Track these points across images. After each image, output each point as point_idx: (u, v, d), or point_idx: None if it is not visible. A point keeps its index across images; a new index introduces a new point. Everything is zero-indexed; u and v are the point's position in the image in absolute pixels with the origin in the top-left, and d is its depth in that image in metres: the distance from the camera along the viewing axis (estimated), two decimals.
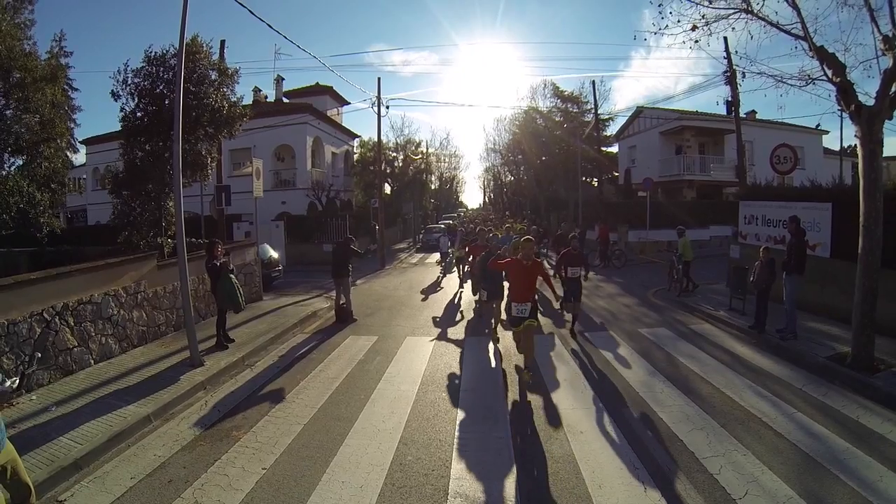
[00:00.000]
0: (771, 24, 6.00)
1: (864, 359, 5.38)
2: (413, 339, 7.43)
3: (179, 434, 4.50)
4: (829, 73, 5.60)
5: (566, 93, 29.04)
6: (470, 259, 10.09)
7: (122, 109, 8.76)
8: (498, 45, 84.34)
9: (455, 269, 13.47)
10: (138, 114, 8.53)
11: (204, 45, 9.13)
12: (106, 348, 6.39)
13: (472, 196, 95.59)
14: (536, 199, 31.69)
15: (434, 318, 8.94)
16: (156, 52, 8.64)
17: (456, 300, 10.83)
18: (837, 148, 26.61)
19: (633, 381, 5.45)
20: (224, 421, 4.77)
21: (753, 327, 7.03)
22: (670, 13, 6.49)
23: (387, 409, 4.92)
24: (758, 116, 23.97)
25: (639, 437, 4.18)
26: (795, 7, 5.70)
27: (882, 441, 4.00)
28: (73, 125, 34.47)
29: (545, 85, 28.70)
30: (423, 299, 10.91)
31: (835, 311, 7.32)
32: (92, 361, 6.13)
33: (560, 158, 25.81)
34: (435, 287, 12.73)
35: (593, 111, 23.46)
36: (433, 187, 42.11)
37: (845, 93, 5.50)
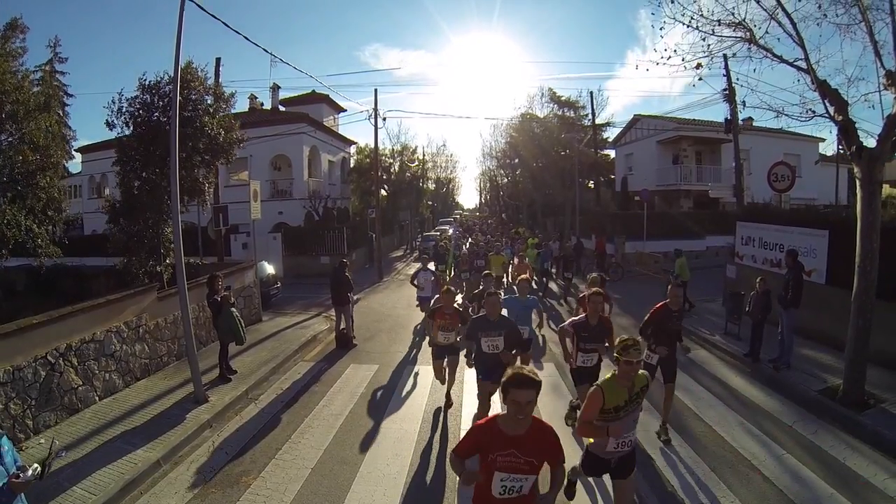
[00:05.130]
0: (775, 55, 6.06)
1: (854, 394, 5.54)
2: (413, 369, 7.54)
3: (190, 480, 4.58)
4: (832, 109, 5.63)
5: (563, 98, 29.22)
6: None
7: (117, 139, 8.79)
8: (495, 45, 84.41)
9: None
10: (134, 143, 8.55)
11: (199, 70, 9.14)
12: (110, 384, 6.46)
13: (469, 197, 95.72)
14: (533, 203, 31.85)
15: None
16: (150, 81, 8.66)
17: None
18: (833, 151, 26.83)
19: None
20: (233, 463, 4.86)
21: (748, 355, 7.20)
22: (674, 51, 6.56)
23: (391, 450, 5.03)
24: (755, 123, 24.15)
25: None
26: (801, 45, 5.77)
27: (866, 487, 4.16)
28: (68, 132, 34.33)
29: (542, 93, 28.88)
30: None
31: (828, 338, 7.45)
32: (97, 398, 6.20)
33: (557, 161, 25.94)
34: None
35: (591, 120, 23.62)
36: (431, 188, 42.13)
37: (847, 132, 5.54)
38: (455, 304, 5.84)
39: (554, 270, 14.86)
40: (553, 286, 14.64)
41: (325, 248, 18.60)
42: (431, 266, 11.39)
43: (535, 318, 5.98)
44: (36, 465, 2.61)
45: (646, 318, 5.10)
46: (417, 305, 9.75)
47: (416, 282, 9.47)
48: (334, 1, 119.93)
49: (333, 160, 26.81)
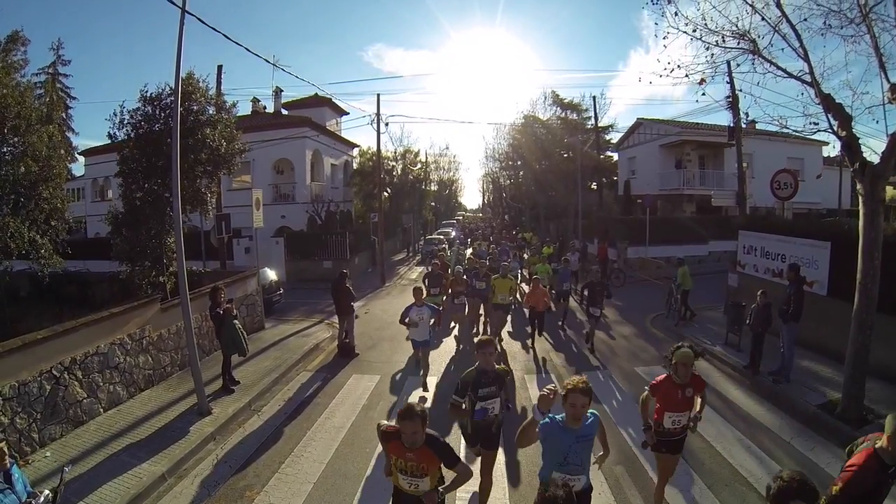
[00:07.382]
0: (779, 68, 6.05)
1: (853, 410, 5.56)
2: (414, 380, 7.56)
3: (194, 494, 4.64)
4: (835, 124, 5.61)
5: (566, 101, 29.20)
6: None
7: (120, 144, 8.89)
8: (499, 45, 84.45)
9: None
10: (136, 154, 8.63)
11: (200, 80, 9.22)
12: (114, 396, 6.53)
13: (472, 197, 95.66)
14: (536, 206, 31.81)
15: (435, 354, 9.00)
16: (151, 92, 8.77)
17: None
18: (837, 153, 26.66)
19: (626, 434, 5.62)
20: (236, 477, 4.93)
21: (748, 368, 7.20)
22: (678, 65, 6.55)
23: None
24: (758, 127, 24.06)
25: (629, 500, 4.37)
26: (806, 59, 5.75)
27: None
28: (71, 134, 34.51)
29: (545, 96, 28.88)
30: None
31: (829, 349, 7.46)
32: (101, 410, 6.27)
33: (560, 164, 25.90)
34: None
35: (594, 123, 23.62)
36: (434, 189, 42.12)
37: (850, 149, 5.51)
38: (427, 433, 2.86)
39: (577, 294, 11.73)
40: (572, 300, 11.55)
41: (328, 252, 18.67)
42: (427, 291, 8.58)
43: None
44: (47, 491, 2.67)
45: (841, 486, 2.51)
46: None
47: (406, 320, 6.95)
48: (336, 1, 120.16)
49: (336, 163, 26.89)
